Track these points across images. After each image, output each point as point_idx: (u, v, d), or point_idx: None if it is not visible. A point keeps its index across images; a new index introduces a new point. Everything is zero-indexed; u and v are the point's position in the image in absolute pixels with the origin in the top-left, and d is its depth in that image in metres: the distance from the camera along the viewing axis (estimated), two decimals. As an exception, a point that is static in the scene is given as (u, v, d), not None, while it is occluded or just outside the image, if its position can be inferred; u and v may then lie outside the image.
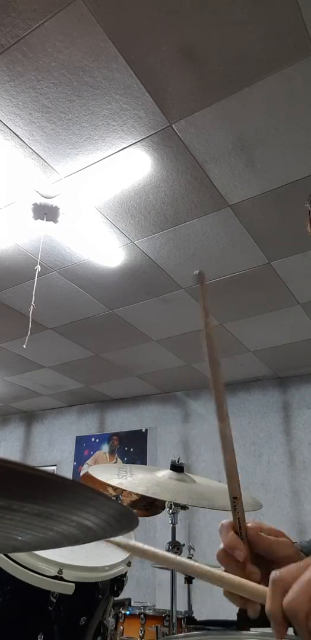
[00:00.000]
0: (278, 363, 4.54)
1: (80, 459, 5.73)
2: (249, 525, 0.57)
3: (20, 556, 1.18)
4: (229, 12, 1.67)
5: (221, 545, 0.56)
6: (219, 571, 0.52)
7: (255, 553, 0.56)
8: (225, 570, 0.55)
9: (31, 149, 2.25)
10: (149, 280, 3.29)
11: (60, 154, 2.28)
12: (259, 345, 4.16)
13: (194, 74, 1.89)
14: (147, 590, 4.63)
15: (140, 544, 0.54)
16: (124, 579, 1.36)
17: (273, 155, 2.24)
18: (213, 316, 3.70)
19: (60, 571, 1.18)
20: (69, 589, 1.19)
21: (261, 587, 0.48)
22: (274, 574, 0.47)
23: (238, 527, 0.56)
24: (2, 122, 2.11)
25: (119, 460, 5.42)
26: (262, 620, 0.59)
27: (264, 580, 0.55)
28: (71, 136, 2.18)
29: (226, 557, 0.56)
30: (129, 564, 1.39)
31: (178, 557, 0.56)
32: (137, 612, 1.97)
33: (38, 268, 2.94)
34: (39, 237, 2.88)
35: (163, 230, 2.79)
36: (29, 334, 3.14)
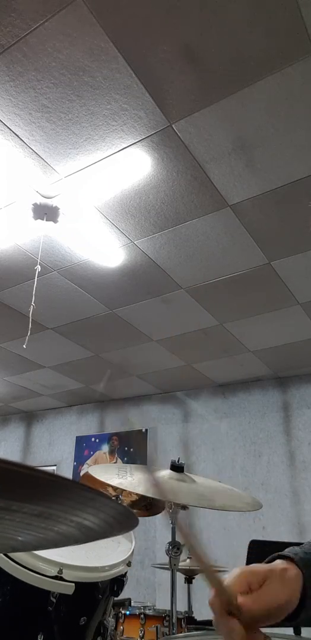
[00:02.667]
0: (278, 363, 4.54)
1: (80, 459, 5.73)
2: (239, 600, 0.58)
3: (21, 556, 1.18)
4: (229, 12, 1.67)
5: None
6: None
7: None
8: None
9: (31, 149, 2.25)
10: (149, 280, 3.29)
11: (60, 154, 2.28)
12: (259, 345, 4.16)
13: (194, 74, 1.89)
14: (148, 590, 4.63)
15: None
16: (124, 579, 1.36)
17: (273, 155, 2.24)
18: (213, 317, 3.70)
19: (60, 571, 1.18)
20: (69, 589, 1.19)
21: None
22: None
23: (229, 610, 0.58)
24: (2, 122, 2.11)
25: (119, 460, 5.42)
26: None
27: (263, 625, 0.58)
28: (71, 136, 2.18)
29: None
30: (129, 564, 1.39)
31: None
32: (137, 612, 1.97)
33: (38, 268, 2.94)
34: (39, 237, 2.88)
35: (163, 230, 2.79)
36: (29, 334, 3.14)
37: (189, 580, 2.92)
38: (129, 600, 2.61)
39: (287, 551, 0.67)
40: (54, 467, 5.92)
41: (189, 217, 2.67)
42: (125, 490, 1.66)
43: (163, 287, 3.37)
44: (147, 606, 2.15)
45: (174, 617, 1.58)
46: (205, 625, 2.49)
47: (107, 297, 3.54)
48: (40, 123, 2.12)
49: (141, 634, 1.90)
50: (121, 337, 4.14)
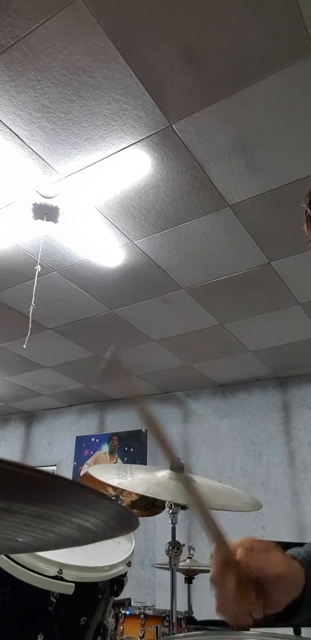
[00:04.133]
0: (278, 363, 4.53)
1: (80, 459, 5.73)
2: (238, 553, 0.60)
3: (21, 556, 1.18)
4: (229, 12, 1.67)
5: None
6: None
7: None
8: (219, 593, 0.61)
9: (31, 149, 2.25)
10: (149, 280, 3.29)
11: (60, 154, 2.28)
12: (259, 345, 4.16)
13: (194, 74, 1.89)
14: (147, 590, 4.63)
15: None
16: (124, 579, 1.37)
17: (273, 155, 2.24)
18: (212, 317, 3.70)
19: (60, 571, 1.19)
20: (69, 589, 1.19)
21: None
22: None
23: (227, 563, 0.60)
24: (2, 122, 2.11)
25: (119, 460, 5.42)
26: (262, 620, 0.60)
27: (258, 596, 0.59)
28: (71, 136, 2.18)
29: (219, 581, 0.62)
30: (129, 564, 1.39)
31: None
32: (137, 612, 1.97)
33: (38, 268, 2.94)
34: (39, 237, 2.88)
35: (163, 230, 2.79)
36: (29, 334, 3.14)
37: (189, 580, 2.92)
38: (129, 600, 2.61)
39: (289, 552, 0.68)
40: (54, 467, 5.92)
41: (189, 217, 2.67)
42: (125, 490, 1.66)
43: (163, 287, 3.37)
44: (147, 606, 2.15)
45: (174, 617, 1.58)
46: (205, 625, 2.49)
47: (107, 297, 3.53)
48: (40, 123, 2.12)
49: (141, 634, 1.90)
50: (121, 337, 4.14)
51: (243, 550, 0.59)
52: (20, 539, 0.36)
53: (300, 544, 0.76)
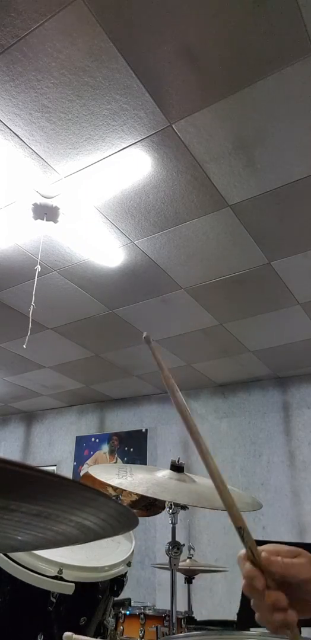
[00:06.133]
0: (278, 363, 4.54)
1: (80, 459, 5.73)
2: (263, 551, 0.57)
3: (21, 556, 1.18)
4: (229, 12, 1.67)
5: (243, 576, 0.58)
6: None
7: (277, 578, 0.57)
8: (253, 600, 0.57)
9: (31, 149, 2.25)
10: (149, 280, 3.29)
11: (60, 154, 2.28)
12: (259, 345, 4.16)
13: (194, 74, 1.89)
14: (148, 590, 4.63)
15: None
16: (124, 579, 1.37)
17: (273, 155, 2.24)
18: (212, 317, 3.71)
19: (60, 571, 1.19)
20: (69, 589, 1.19)
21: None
22: None
23: (252, 555, 0.56)
24: (2, 122, 2.11)
25: (119, 460, 5.41)
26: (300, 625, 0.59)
27: (291, 605, 0.56)
28: (71, 136, 2.18)
29: (249, 587, 0.57)
30: (129, 564, 1.39)
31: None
32: (137, 612, 1.97)
33: (38, 268, 2.94)
34: (39, 237, 2.88)
35: (163, 230, 2.79)
36: (29, 334, 3.14)
37: (189, 580, 2.92)
38: (129, 600, 2.62)
39: None
40: (54, 467, 5.92)
41: (189, 217, 2.67)
42: (125, 490, 1.66)
43: (163, 287, 3.37)
44: (147, 606, 2.15)
45: (174, 617, 1.58)
46: (205, 625, 2.50)
47: (107, 297, 3.54)
48: (40, 123, 2.12)
49: (141, 634, 1.90)
50: (121, 337, 4.14)
51: (268, 551, 0.57)
52: (19, 537, 0.36)
53: (300, 545, 0.75)
